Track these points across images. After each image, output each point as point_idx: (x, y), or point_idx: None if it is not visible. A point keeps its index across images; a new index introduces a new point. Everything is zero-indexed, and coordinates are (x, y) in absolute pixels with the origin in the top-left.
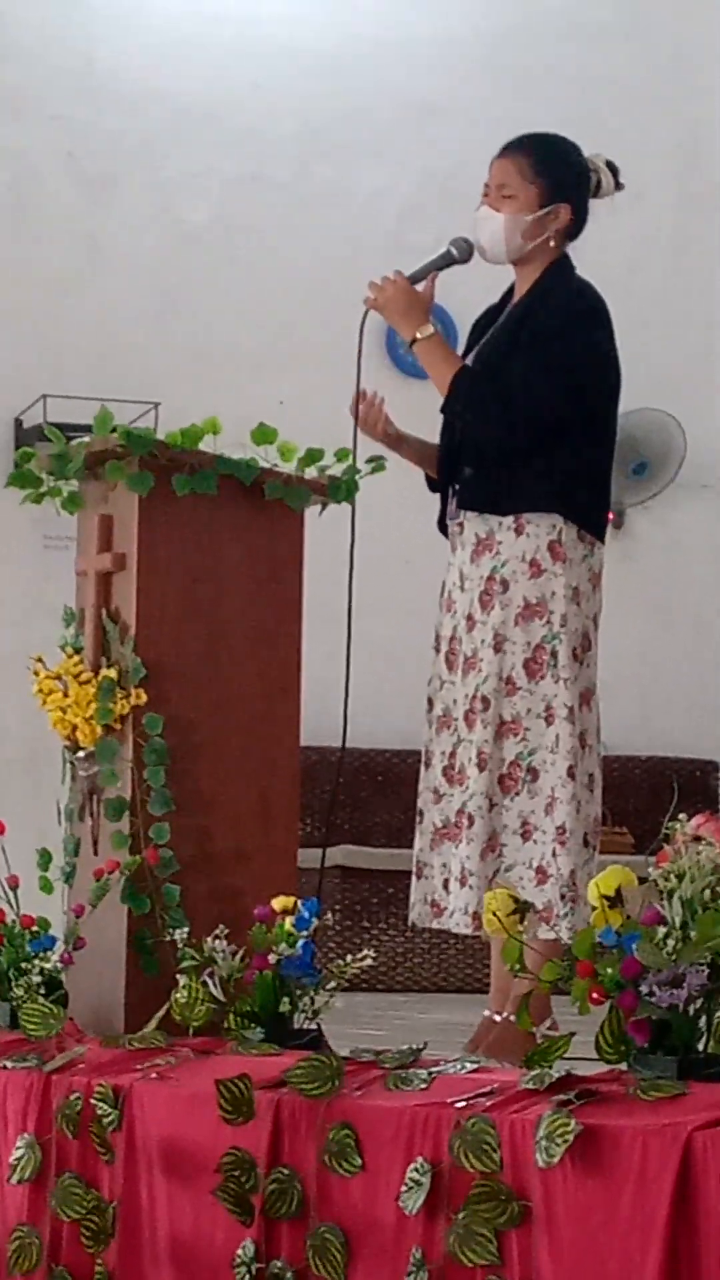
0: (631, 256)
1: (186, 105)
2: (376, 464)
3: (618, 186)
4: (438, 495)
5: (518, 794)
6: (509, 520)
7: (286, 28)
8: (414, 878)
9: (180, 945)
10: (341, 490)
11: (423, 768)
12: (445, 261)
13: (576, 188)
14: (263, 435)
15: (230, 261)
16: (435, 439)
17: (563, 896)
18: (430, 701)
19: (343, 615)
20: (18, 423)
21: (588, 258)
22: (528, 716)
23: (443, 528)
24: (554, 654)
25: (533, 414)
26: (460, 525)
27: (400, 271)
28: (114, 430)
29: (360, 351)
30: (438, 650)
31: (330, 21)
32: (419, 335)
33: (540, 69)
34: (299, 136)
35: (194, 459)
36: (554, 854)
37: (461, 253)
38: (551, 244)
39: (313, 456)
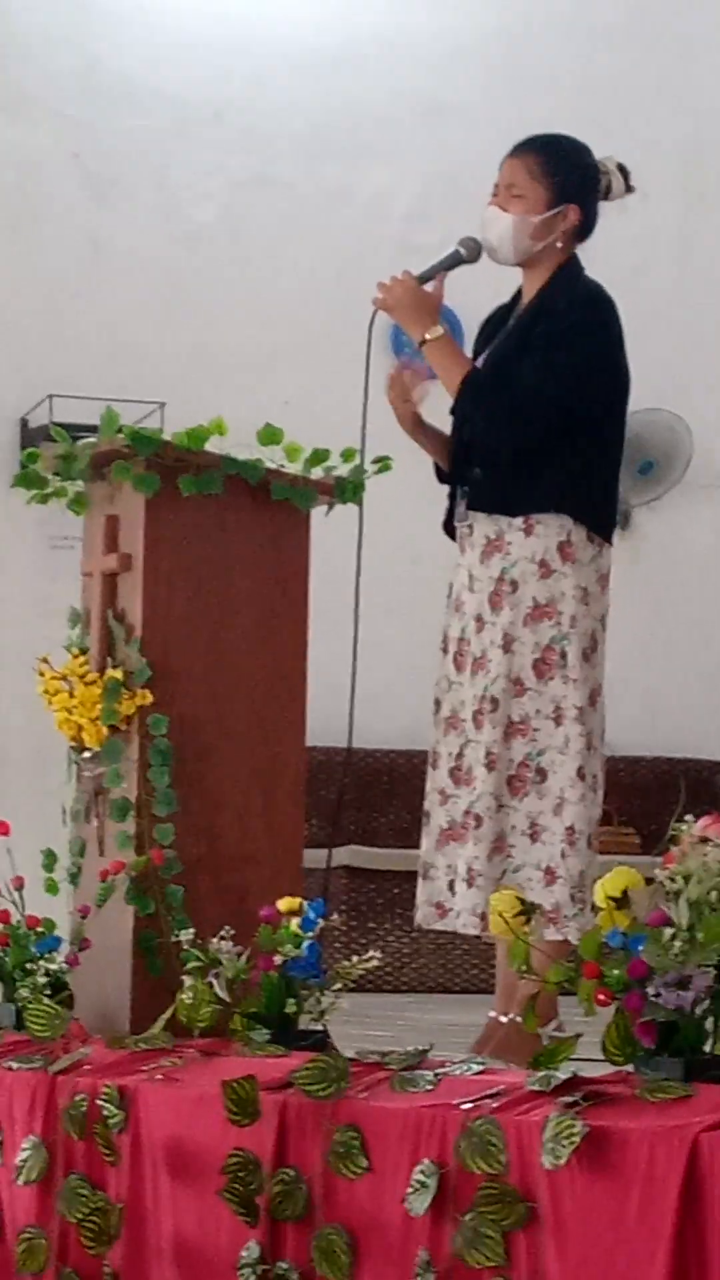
0: (638, 256)
1: (191, 105)
2: (383, 464)
3: (628, 189)
4: (445, 495)
5: (526, 795)
6: (519, 521)
7: (292, 27)
8: (420, 879)
9: (186, 946)
10: (348, 491)
11: (429, 769)
12: (453, 261)
13: (585, 189)
14: (269, 435)
15: (236, 261)
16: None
17: (572, 897)
18: (437, 702)
19: (349, 616)
20: (24, 423)
21: (595, 258)
22: (537, 717)
23: (449, 530)
24: (563, 655)
25: (542, 417)
26: (470, 527)
27: (409, 271)
28: (120, 430)
29: (369, 352)
30: (445, 651)
31: (335, 21)
32: (428, 336)
33: (547, 68)
34: (305, 136)
35: (200, 459)
36: (563, 855)
37: (470, 252)
38: (559, 245)
39: (319, 457)
